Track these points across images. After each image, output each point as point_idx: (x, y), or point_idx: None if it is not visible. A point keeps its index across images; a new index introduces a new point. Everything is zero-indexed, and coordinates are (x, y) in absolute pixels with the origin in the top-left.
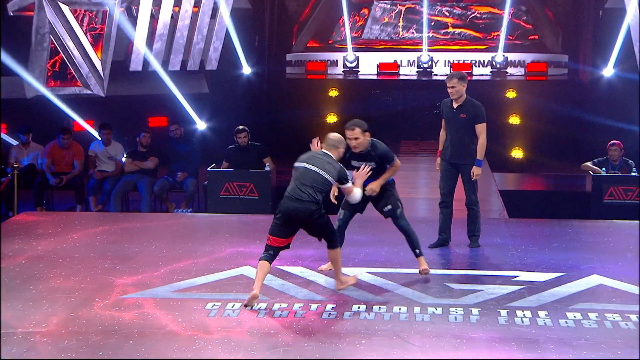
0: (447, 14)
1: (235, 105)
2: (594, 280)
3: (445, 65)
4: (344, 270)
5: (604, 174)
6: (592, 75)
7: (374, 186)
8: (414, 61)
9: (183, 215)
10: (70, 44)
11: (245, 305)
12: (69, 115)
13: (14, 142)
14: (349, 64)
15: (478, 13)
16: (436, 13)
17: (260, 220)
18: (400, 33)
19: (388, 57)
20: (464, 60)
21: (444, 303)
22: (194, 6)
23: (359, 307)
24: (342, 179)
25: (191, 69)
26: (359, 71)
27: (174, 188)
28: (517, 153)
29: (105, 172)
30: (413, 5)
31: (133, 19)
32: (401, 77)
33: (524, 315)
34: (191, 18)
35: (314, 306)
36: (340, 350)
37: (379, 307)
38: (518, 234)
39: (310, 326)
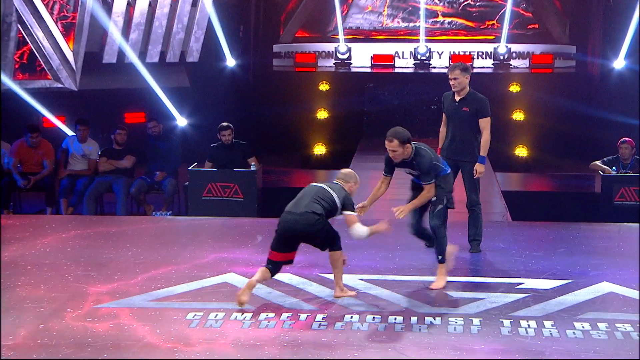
0: (437, 2)
1: (218, 100)
2: (603, 287)
3: (440, 57)
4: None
5: (614, 173)
6: (602, 68)
7: (401, 209)
8: (410, 53)
9: (162, 218)
10: (40, 34)
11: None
12: (38, 110)
13: None
14: (340, 56)
15: (472, 1)
16: (425, 0)
17: (245, 223)
18: (385, 22)
19: (383, 48)
20: (464, 52)
21: (443, 312)
22: None
23: (351, 317)
24: (346, 205)
25: (171, 60)
26: (351, 63)
27: (152, 189)
28: (521, 151)
29: (74, 171)
30: None
31: (107, 7)
32: (397, 70)
33: (528, 325)
34: (170, 6)
35: (303, 316)
36: None
37: (373, 317)
38: (522, 238)
39: (299, 338)
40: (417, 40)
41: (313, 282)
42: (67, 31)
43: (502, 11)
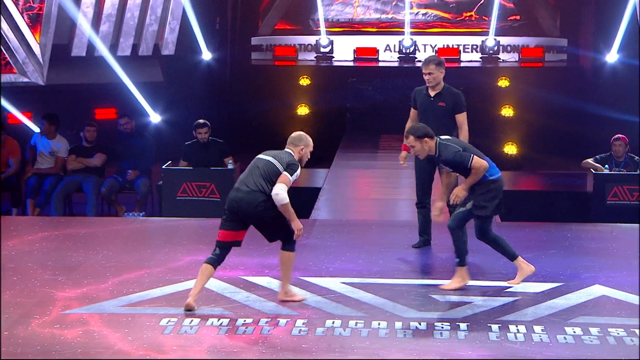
0: None
1: (194, 95)
2: (595, 290)
3: (425, 51)
4: (317, 281)
5: (607, 172)
6: (594, 62)
7: (457, 191)
8: (395, 46)
9: (134, 219)
10: (4, 26)
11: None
12: (3, 106)
13: None
14: (322, 49)
15: None
16: None
17: None
18: (356, 14)
19: (366, 41)
20: (451, 45)
21: (429, 317)
22: None
23: (333, 323)
24: (287, 168)
25: (143, 54)
26: (333, 57)
27: (124, 189)
28: (510, 149)
29: (42, 169)
30: None
31: None
32: (381, 64)
33: (517, 330)
34: None
35: (282, 321)
36: None
37: (356, 323)
38: (511, 239)
39: (279, 344)
40: (402, 33)
41: (293, 285)
42: (33, 23)
43: (480, 2)
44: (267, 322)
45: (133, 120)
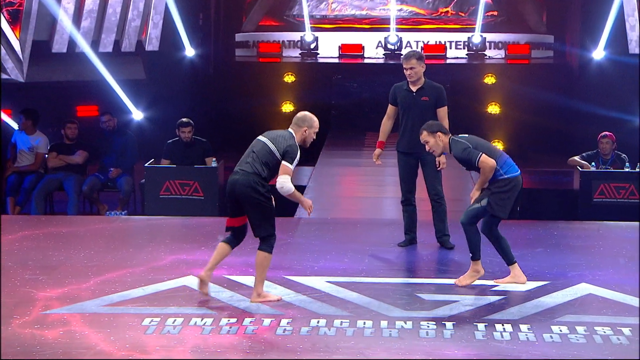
0: None
1: (177, 92)
2: (582, 289)
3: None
4: (302, 280)
5: (593, 169)
6: (581, 59)
7: (472, 193)
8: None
9: (117, 218)
10: None
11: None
12: None
13: None
14: (307, 46)
15: None
16: None
17: (206, 223)
18: (331, 9)
19: (351, 37)
20: (437, 41)
21: (414, 316)
22: None
23: (318, 322)
24: (285, 155)
25: (126, 50)
26: (318, 53)
27: (106, 187)
28: (496, 146)
29: (22, 167)
30: None
31: None
32: (366, 61)
33: (503, 329)
34: None
35: (266, 321)
36: None
37: (341, 322)
38: None
39: (263, 344)
40: (387, 29)
41: (277, 284)
42: (13, 19)
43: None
44: (251, 321)
45: (115, 118)
